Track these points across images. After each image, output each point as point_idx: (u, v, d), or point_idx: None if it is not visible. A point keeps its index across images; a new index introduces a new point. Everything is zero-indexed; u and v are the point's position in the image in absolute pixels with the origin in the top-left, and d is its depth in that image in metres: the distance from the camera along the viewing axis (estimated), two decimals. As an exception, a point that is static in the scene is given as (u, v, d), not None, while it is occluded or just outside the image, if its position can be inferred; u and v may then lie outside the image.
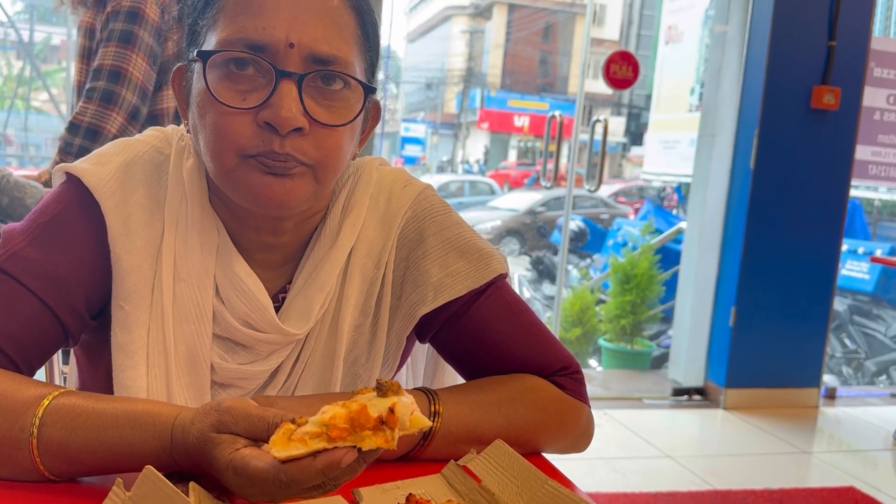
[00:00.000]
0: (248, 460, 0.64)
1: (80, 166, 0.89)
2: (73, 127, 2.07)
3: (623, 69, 4.34)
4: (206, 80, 0.81)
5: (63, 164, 0.90)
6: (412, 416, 0.63)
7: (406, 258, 0.97)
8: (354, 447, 0.61)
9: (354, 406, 0.62)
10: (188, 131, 0.89)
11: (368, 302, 0.96)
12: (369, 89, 0.85)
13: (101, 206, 0.87)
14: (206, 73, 0.81)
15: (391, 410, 0.61)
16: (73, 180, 0.89)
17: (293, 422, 0.63)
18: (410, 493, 0.72)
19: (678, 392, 4.26)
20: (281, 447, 0.61)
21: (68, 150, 2.06)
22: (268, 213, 0.87)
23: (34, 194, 2.00)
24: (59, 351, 1.18)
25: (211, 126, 0.81)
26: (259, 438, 0.67)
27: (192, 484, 0.67)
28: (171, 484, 0.61)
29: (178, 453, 0.71)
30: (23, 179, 2.03)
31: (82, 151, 2.06)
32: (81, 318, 0.88)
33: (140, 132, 0.97)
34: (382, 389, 0.63)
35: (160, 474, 0.62)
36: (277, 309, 0.92)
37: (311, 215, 0.93)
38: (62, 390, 0.77)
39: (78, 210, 0.88)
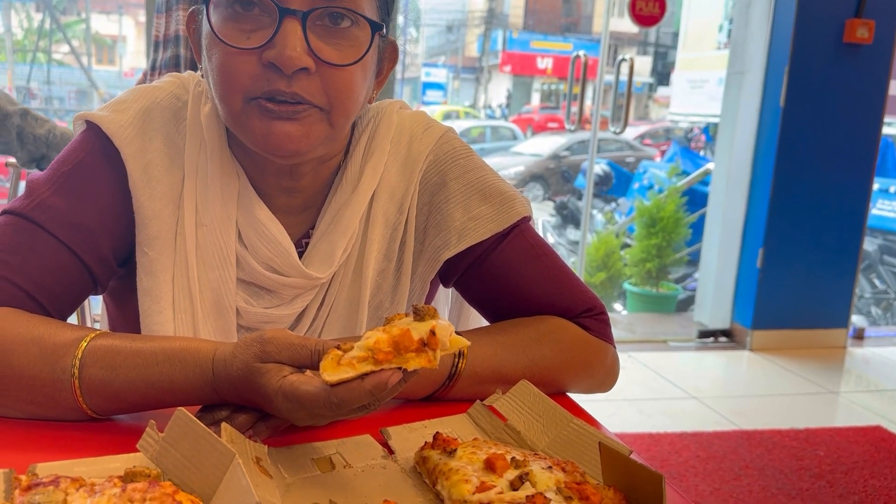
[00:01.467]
0: (298, 385, 0.67)
1: (99, 114, 0.89)
2: None
3: (649, 6, 4.22)
4: (211, 20, 0.80)
5: (82, 112, 0.90)
6: (451, 337, 0.66)
7: (429, 202, 0.97)
8: (400, 368, 0.64)
9: (396, 331, 0.65)
10: (203, 76, 0.88)
11: (392, 246, 0.97)
12: (377, 26, 0.83)
13: (120, 153, 0.87)
14: (210, 13, 0.80)
15: (432, 333, 0.64)
16: (93, 128, 0.89)
17: (338, 348, 0.67)
18: (437, 432, 0.73)
19: (704, 334, 4.26)
20: (332, 371, 0.65)
21: None
22: (280, 161, 0.86)
23: None
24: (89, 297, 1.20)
25: (217, 67, 0.81)
26: (302, 365, 0.70)
27: (223, 424, 0.69)
28: (202, 424, 0.62)
29: (221, 385, 0.73)
30: (70, 131, 2.02)
31: None
32: (108, 265, 0.89)
33: None
34: (420, 314, 0.66)
35: (192, 415, 0.63)
36: (301, 254, 0.93)
37: (328, 159, 0.92)
38: (98, 332, 0.79)
39: (100, 158, 0.88)
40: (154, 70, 2.09)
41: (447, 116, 17.28)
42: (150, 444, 0.65)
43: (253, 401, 0.72)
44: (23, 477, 0.60)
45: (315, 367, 0.68)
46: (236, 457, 0.60)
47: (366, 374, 0.64)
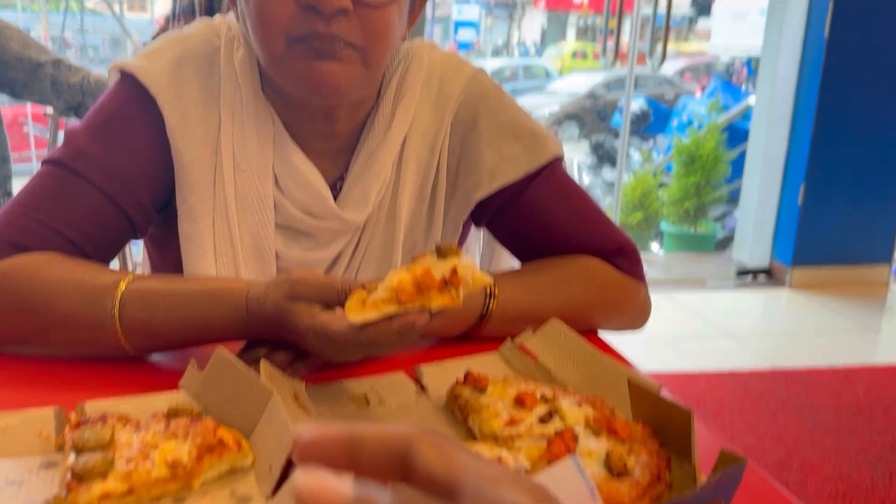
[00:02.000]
0: (328, 324, 0.68)
1: (134, 63, 0.90)
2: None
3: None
4: None
5: (117, 61, 0.91)
6: (474, 275, 0.66)
7: (460, 143, 0.97)
8: (426, 309, 0.65)
9: (418, 270, 0.65)
10: (237, 19, 0.88)
11: (424, 188, 0.97)
12: None
13: (156, 101, 0.88)
14: None
15: (454, 271, 0.65)
16: (127, 77, 0.90)
17: (363, 288, 0.67)
18: (468, 370, 0.75)
19: (743, 273, 4.21)
20: (357, 312, 0.65)
21: None
22: (320, 102, 0.87)
23: None
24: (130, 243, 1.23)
25: (254, 10, 0.81)
26: (331, 303, 0.71)
27: (263, 361, 0.71)
28: (241, 363, 0.65)
29: (255, 323, 0.75)
30: (104, 77, 2.01)
31: None
32: (146, 210, 0.91)
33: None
34: (442, 252, 0.66)
35: (231, 354, 0.65)
36: (335, 197, 0.94)
37: (363, 101, 0.93)
38: (135, 275, 0.81)
39: (136, 106, 0.89)
40: (174, 17, 2.10)
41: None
42: (191, 382, 0.68)
43: (286, 338, 0.74)
44: (72, 414, 0.64)
45: (342, 304, 0.69)
46: (275, 394, 0.62)
47: (392, 316, 0.65)
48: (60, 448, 0.63)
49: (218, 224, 0.92)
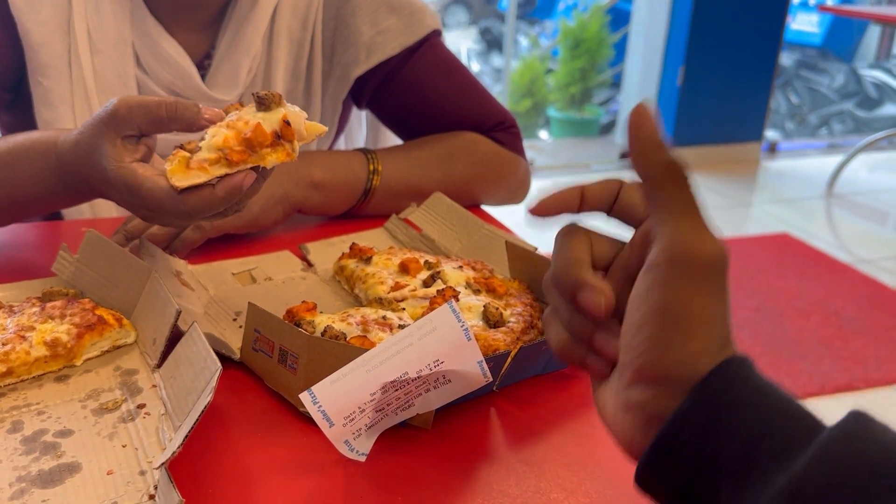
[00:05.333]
0: (142, 180, 0.58)
1: None
2: None
3: None
4: None
5: None
6: (307, 125, 0.60)
7: (335, 16, 0.94)
8: (252, 170, 0.58)
9: (242, 125, 0.58)
10: None
11: (299, 65, 0.94)
12: None
13: None
14: None
15: (286, 123, 0.58)
16: None
17: (182, 147, 0.59)
18: (354, 242, 0.76)
19: (625, 155, 4.36)
20: (181, 175, 0.57)
21: None
22: None
23: None
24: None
25: None
26: (159, 120, 0.60)
27: (142, 240, 0.69)
28: (115, 243, 0.63)
29: (67, 172, 0.65)
30: None
31: None
32: None
33: None
34: (264, 103, 0.59)
35: (103, 236, 0.64)
36: (203, 76, 0.90)
37: None
38: None
39: None
40: None
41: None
42: (64, 266, 0.66)
43: (98, 188, 0.63)
44: (-63, 303, 0.61)
45: (174, 121, 0.60)
46: (154, 272, 0.61)
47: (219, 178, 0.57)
48: (-72, 339, 0.60)
49: (78, 109, 0.87)
